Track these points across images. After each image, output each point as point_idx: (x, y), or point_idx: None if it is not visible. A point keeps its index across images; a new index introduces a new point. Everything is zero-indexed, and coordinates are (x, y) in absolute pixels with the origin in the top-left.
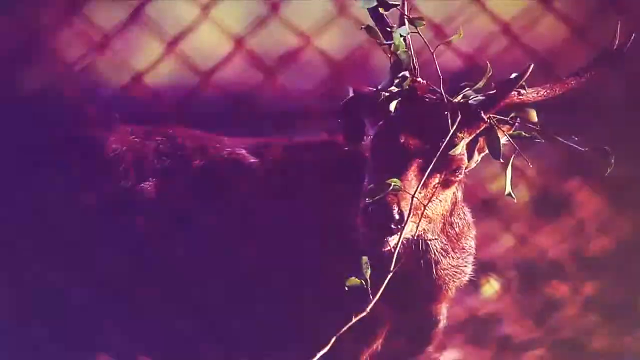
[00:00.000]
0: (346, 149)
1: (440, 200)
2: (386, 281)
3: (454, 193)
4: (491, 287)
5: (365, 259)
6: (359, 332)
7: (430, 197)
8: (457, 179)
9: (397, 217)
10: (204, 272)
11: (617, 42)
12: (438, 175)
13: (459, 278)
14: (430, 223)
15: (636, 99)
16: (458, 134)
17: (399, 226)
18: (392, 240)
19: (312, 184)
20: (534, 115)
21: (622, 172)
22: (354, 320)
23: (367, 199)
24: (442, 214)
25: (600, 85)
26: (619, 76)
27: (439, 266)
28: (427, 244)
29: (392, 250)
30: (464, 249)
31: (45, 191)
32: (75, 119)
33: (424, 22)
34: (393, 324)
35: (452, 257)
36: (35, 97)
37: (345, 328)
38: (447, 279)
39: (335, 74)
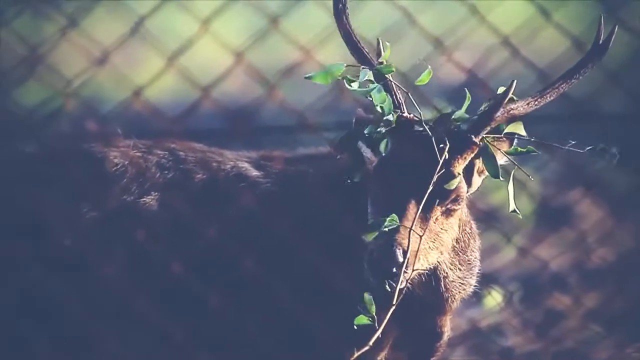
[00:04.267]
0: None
1: (447, 230)
2: (389, 315)
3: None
4: (493, 299)
5: (367, 295)
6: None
7: (432, 229)
8: (459, 207)
9: (400, 259)
10: (207, 286)
11: (601, 36)
12: (439, 208)
13: (464, 289)
14: (442, 254)
15: (637, 111)
16: (454, 162)
17: (404, 269)
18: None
19: (315, 196)
20: (521, 128)
21: (623, 184)
22: (356, 354)
23: (369, 241)
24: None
25: (602, 97)
26: (620, 88)
27: (447, 280)
28: (438, 263)
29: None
30: (469, 261)
31: (48, 206)
32: (77, 133)
33: (393, 69)
34: (398, 335)
35: (459, 270)
36: (37, 112)
37: None
38: (454, 291)
39: (335, 87)
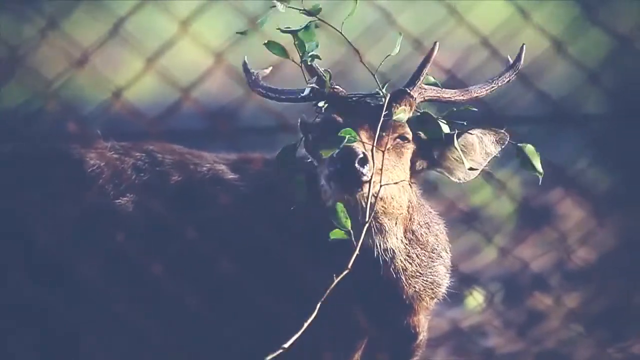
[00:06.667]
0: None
1: (398, 167)
2: (364, 231)
3: (410, 186)
4: (474, 299)
5: (340, 206)
6: (339, 344)
7: (383, 155)
8: (407, 148)
9: (360, 155)
10: (182, 287)
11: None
12: (389, 136)
13: (432, 289)
14: (395, 212)
15: (618, 112)
16: (392, 109)
17: (365, 167)
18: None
19: (291, 198)
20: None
21: (605, 184)
22: (336, 280)
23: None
24: (403, 207)
25: (582, 98)
26: (599, 88)
27: (406, 273)
28: (393, 252)
29: (366, 200)
30: (431, 258)
31: (23, 207)
32: (57, 135)
33: (320, 7)
34: (372, 336)
35: (419, 265)
36: (17, 113)
37: (328, 290)
38: (417, 287)
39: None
